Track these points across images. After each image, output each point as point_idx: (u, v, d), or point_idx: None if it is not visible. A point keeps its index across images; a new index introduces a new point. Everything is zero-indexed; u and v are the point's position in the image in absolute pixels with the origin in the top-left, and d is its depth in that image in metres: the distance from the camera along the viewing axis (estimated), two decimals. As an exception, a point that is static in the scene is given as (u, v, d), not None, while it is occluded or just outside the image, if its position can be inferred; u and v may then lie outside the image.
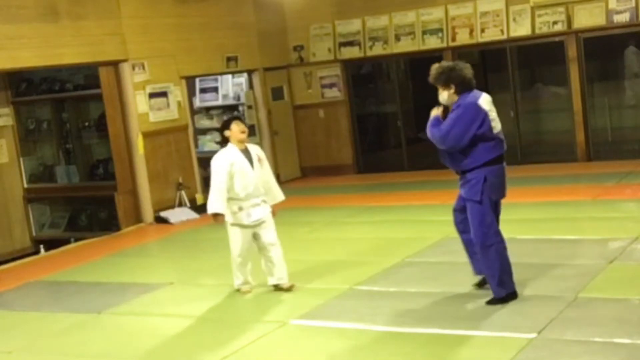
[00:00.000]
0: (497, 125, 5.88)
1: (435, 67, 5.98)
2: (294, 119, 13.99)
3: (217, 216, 6.75)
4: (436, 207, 9.86)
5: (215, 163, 6.88)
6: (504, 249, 5.93)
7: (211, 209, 6.77)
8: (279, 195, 7.07)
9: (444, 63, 6.05)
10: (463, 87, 5.87)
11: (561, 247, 7.38)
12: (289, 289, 6.87)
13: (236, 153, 6.80)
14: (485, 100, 5.89)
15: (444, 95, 5.93)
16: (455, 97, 5.88)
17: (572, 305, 5.76)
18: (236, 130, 6.79)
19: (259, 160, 6.90)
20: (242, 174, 6.73)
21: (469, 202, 5.88)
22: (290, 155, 13.85)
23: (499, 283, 5.90)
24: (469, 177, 5.84)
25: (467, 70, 5.95)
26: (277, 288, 6.91)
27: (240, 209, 6.73)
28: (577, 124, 12.08)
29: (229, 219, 6.80)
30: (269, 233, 6.85)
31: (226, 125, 6.88)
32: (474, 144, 5.77)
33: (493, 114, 5.88)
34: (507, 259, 5.92)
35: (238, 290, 7.00)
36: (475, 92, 5.93)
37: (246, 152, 6.86)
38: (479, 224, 5.86)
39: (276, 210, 7.04)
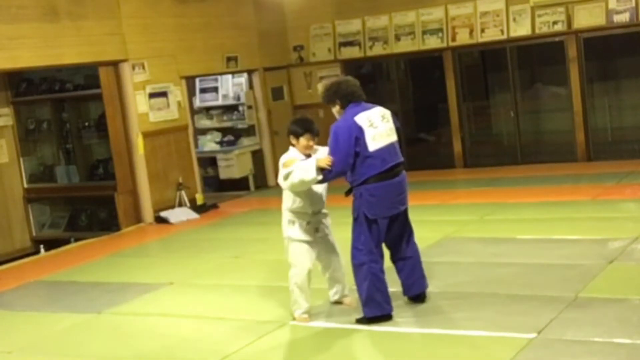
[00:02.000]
0: (375, 143, 5.71)
1: (319, 87, 6.05)
2: (294, 119, 13.97)
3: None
4: (435, 207, 9.87)
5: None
6: (379, 271, 5.77)
7: (313, 167, 5.72)
8: None
9: (327, 81, 6.09)
10: (346, 101, 5.86)
11: (561, 247, 7.37)
12: (349, 304, 6.28)
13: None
14: (364, 116, 5.75)
15: (334, 112, 5.98)
16: (343, 112, 5.90)
17: (572, 305, 5.76)
18: (303, 144, 6.00)
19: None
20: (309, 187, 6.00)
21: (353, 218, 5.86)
22: (290, 155, 13.82)
23: (365, 303, 5.81)
24: (353, 194, 5.85)
25: (349, 84, 5.93)
26: (337, 302, 6.38)
27: (308, 223, 6.09)
28: (577, 124, 12.08)
29: (293, 234, 6.09)
30: (333, 245, 6.26)
31: (295, 134, 6.02)
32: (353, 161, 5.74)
33: (374, 131, 5.72)
34: (380, 281, 5.76)
35: (294, 319, 6.16)
36: (361, 106, 5.85)
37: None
38: (353, 240, 5.83)
39: None
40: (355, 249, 5.84)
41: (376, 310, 5.82)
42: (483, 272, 6.83)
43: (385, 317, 5.84)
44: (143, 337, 6.32)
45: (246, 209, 11.66)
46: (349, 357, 5.45)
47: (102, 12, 10.72)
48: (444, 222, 8.79)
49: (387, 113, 5.94)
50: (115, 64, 11.02)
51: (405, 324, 5.79)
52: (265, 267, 7.95)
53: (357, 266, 5.83)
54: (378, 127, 5.78)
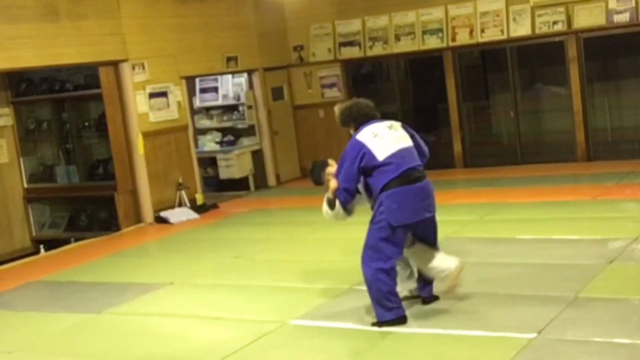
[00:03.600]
0: (384, 152, 5.76)
1: (335, 110, 6.15)
2: (294, 119, 13.99)
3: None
4: (436, 207, 9.84)
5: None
6: (387, 275, 5.71)
7: (325, 205, 6.06)
8: None
9: (341, 105, 6.17)
10: (360, 122, 5.97)
11: (561, 247, 7.38)
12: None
13: None
14: (367, 131, 5.84)
15: (352, 133, 6.04)
16: None
17: (572, 305, 5.76)
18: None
19: None
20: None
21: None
22: (290, 155, 13.85)
23: (375, 307, 5.81)
24: (375, 205, 5.87)
25: (360, 106, 6.05)
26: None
27: None
28: (577, 124, 12.08)
29: None
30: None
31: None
32: (370, 174, 5.80)
33: (380, 140, 5.77)
34: (387, 285, 5.71)
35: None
36: (369, 123, 5.92)
37: None
38: (368, 247, 5.81)
39: None
40: (367, 254, 5.79)
41: (389, 314, 5.78)
42: (483, 272, 6.83)
43: (399, 319, 5.78)
44: (143, 337, 6.32)
45: (246, 209, 11.66)
46: (349, 357, 5.45)
47: (102, 12, 10.72)
48: (444, 222, 8.69)
49: (395, 123, 6.01)
50: (115, 64, 11.02)
51: (405, 323, 5.79)
52: (265, 267, 7.95)
53: (366, 270, 5.78)
54: (384, 136, 5.83)
